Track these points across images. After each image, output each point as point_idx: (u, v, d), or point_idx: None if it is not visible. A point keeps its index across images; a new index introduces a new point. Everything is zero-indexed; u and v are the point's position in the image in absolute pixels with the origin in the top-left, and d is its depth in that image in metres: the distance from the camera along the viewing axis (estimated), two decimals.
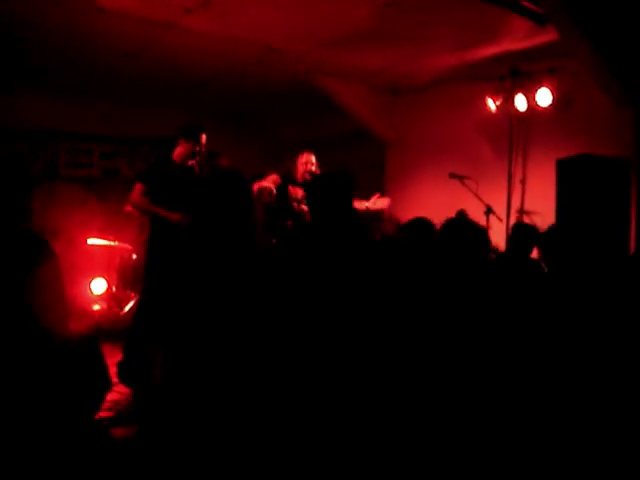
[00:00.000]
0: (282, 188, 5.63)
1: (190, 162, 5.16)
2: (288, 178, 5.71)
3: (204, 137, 5.15)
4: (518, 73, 6.76)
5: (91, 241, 7.68)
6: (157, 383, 3.56)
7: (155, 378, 3.88)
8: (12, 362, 2.62)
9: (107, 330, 6.31)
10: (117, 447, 3.59)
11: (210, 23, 6.09)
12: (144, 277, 5.18)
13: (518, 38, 6.17)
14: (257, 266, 3.28)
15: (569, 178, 5.94)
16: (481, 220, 6.25)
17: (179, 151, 5.15)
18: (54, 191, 8.63)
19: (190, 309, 3.34)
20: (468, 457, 2.57)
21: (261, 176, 5.72)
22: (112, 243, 7.63)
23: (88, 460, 2.96)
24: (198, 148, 5.13)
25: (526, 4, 5.47)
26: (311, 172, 5.69)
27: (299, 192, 5.70)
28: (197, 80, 8.08)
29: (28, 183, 2.99)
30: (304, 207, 5.67)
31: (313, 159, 5.81)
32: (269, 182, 5.55)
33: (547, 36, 5.89)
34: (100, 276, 7.33)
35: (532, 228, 4.79)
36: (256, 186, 5.43)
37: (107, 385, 3.49)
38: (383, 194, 6.65)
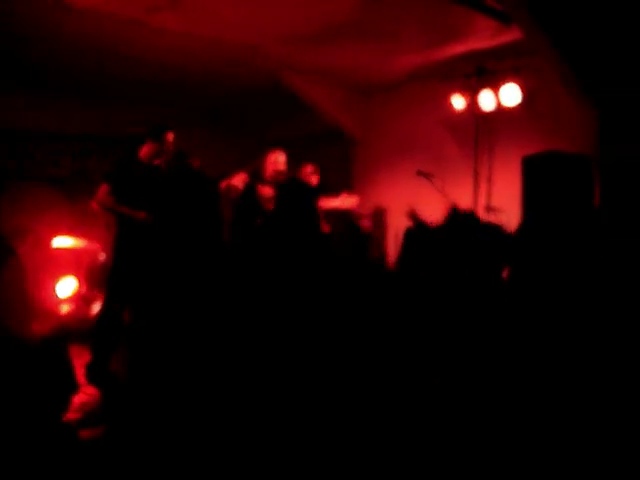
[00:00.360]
0: (250, 187, 5.63)
1: (156, 161, 5.14)
2: (257, 177, 5.71)
3: (171, 136, 5.14)
4: (484, 71, 6.83)
5: (59, 241, 7.61)
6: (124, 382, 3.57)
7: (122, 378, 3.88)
8: None
9: (76, 331, 6.27)
10: (85, 448, 3.59)
11: (180, 21, 6.09)
12: (109, 276, 5.15)
13: (484, 37, 6.26)
14: (223, 262, 3.30)
15: (534, 175, 6.01)
16: None
17: (145, 150, 5.13)
18: (23, 191, 8.52)
19: (157, 306, 3.35)
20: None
21: (228, 175, 5.72)
22: (81, 243, 7.58)
23: (56, 461, 2.96)
24: (165, 147, 5.12)
25: (491, 4, 5.54)
26: (280, 171, 5.70)
27: (268, 191, 5.70)
28: (168, 79, 8.06)
29: None
30: (271, 206, 5.69)
31: (282, 158, 5.81)
32: (237, 180, 5.55)
33: (512, 35, 5.99)
34: (69, 276, 7.27)
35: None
36: (223, 184, 5.44)
37: (73, 387, 3.48)
38: (351, 191, 6.69)
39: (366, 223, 6.64)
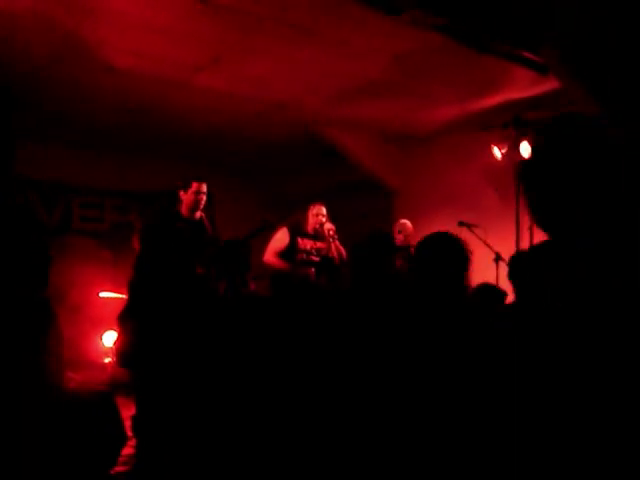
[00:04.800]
0: (291, 240, 5.71)
1: (197, 214, 5.18)
2: (297, 230, 5.78)
3: (203, 186, 5.14)
4: (521, 121, 6.86)
5: (103, 294, 7.74)
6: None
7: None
8: (23, 419, 2.67)
9: (121, 382, 6.31)
10: None
11: (218, 81, 6.28)
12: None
13: (521, 87, 6.31)
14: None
15: None
16: (490, 268, 6.28)
17: (183, 203, 5.16)
18: (67, 245, 8.69)
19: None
20: None
21: (271, 225, 5.77)
22: (124, 296, 7.67)
23: None
24: (199, 197, 5.13)
25: (527, 55, 5.60)
26: (321, 224, 5.78)
27: (308, 244, 5.77)
28: (204, 135, 8.25)
29: (47, 251, 3.13)
30: (314, 258, 5.74)
31: (324, 210, 5.89)
32: (278, 244, 5.69)
33: (549, 84, 6.02)
34: (113, 329, 7.35)
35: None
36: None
37: (122, 439, 3.50)
38: None
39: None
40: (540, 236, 5.68)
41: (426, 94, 6.59)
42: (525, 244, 6.90)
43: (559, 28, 5.06)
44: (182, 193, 5.13)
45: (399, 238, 6.50)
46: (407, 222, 6.73)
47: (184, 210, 5.17)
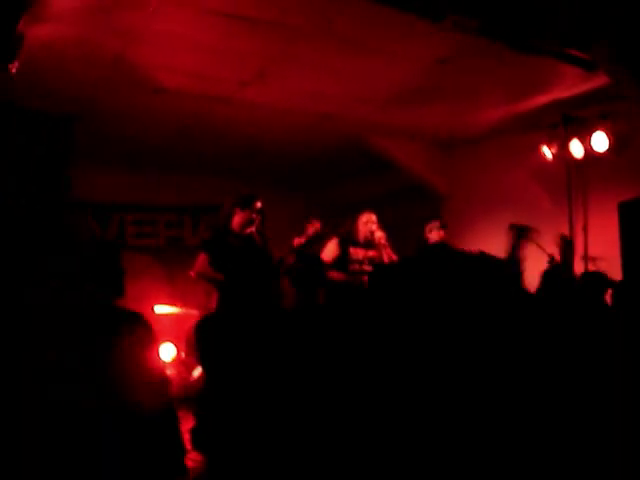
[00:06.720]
0: (342, 250, 5.70)
1: (248, 230, 5.28)
2: (348, 239, 5.78)
3: (259, 204, 5.27)
4: (571, 119, 6.74)
5: (158, 308, 7.88)
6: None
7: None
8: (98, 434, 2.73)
9: (177, 396, 6.40)
10: None
11: (265, 95, 6.32)
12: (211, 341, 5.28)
13: (568, 86, 6.19)
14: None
15: (632, 221, 5.81)
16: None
17: (237, 220, 5.29)
18: (123, 261, 8.85)
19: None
20: None
21: (322, 236, 5.82)
22: (179, 310, 7.81)
23: None
24: (255, 215, 5.26)
25: (574, 52, 5.50)
26: (372, 232, 5.76)
27: (360, 253, 5.76)
28: (252, 148, 8.32)
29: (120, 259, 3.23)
30: (366, 268, 5.72)
31: (374, 218, 5.87)
32: (329, 255, 5.68)
33: (597, 81, 5.90)
34: (168, 342, 7.47)
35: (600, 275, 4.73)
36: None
37: (183, 452, 3.55)
38: None
39: None
40: (594, 237, 5.59)
41: (472, 97, 6.53)
42: (579, 245, 6.77)
43: (612, 25, 4.95)
44: (239, 209, 5.25)
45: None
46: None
47: (235, 226, 5.27)
